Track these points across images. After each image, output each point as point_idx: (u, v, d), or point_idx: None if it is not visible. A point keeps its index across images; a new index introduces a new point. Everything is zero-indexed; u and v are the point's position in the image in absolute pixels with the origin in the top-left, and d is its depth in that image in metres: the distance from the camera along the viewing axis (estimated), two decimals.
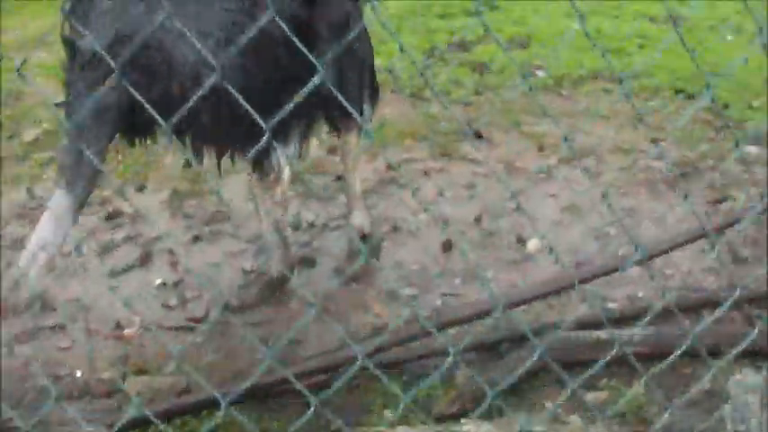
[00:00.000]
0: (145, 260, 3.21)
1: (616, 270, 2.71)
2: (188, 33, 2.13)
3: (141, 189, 3.60)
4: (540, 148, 3.81)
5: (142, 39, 2.20)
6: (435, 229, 3.31)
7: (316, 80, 1.19)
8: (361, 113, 2.76)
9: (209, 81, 1.22)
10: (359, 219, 3.11)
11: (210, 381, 2.61)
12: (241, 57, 2.23)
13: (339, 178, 3.57)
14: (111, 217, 3.44)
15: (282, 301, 2.98)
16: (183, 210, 3.46)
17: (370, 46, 2.79)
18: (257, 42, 2.25)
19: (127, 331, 2.89)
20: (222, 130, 2.36)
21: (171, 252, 3.24)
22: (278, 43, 2.25)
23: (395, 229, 3.31)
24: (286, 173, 2.76)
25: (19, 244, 3.33)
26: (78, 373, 2.74)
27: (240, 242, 3.27)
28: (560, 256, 3.18)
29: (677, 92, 4.32)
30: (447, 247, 3.22)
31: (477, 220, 3.36)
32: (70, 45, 2.29)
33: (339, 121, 2.74)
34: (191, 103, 2.14)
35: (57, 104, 2.41)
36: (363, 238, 3.10)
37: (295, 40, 1.26)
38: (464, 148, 3.78)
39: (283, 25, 1.26)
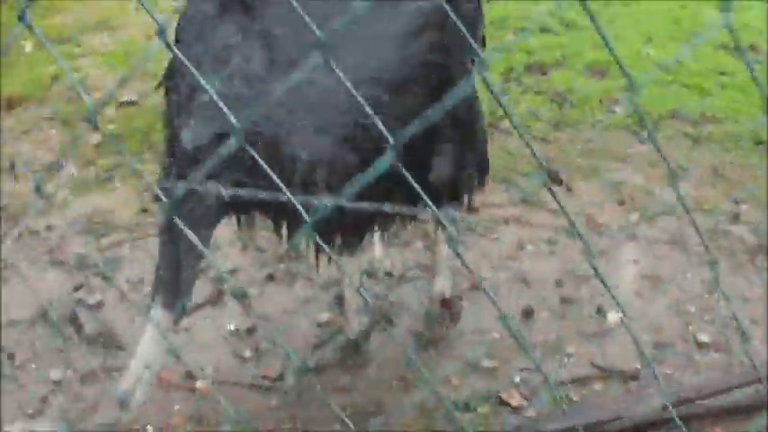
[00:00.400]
0: (216, 299, 3.11)
1: None
2: (303, 130, 1.98)
3: None
4: (621, 202, 3.67)
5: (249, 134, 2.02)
6: (516, 287, 3.22)
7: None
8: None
9: None
10: (441, 283, 3.02)
11: None
12: (358, 156, 2.06)
13: None
14: None
15: (360, 365, 2.91)
16: (255, 242, 3.34)
17: (485, 124, 2.65)
18: (378, 144, 2.09)
19: (199, 384, 2.81)
20: (327, 226, 2.21)
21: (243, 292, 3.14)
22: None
23: (475, 287, 3.21)
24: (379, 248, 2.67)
25: (84, 263, 3.24)
26: (150, 429, 2.68)
27: (315, 287, 3.17)
28: (640, 334, 3.09)
29: (757, 143, 4.17)
30: (527, 313, 3.13)
31: (558, 283, 3.26)
32: (170, 136, 2.11)
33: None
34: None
35: (156, 197, 2.22)
36: (444, 302, 3.01)
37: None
38: (545, 195, 3.65)
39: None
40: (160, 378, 2.83)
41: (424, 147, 2.17)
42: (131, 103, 3.89)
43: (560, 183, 3.70)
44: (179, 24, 2.33)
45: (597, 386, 2.91)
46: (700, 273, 3.36)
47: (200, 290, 3.15)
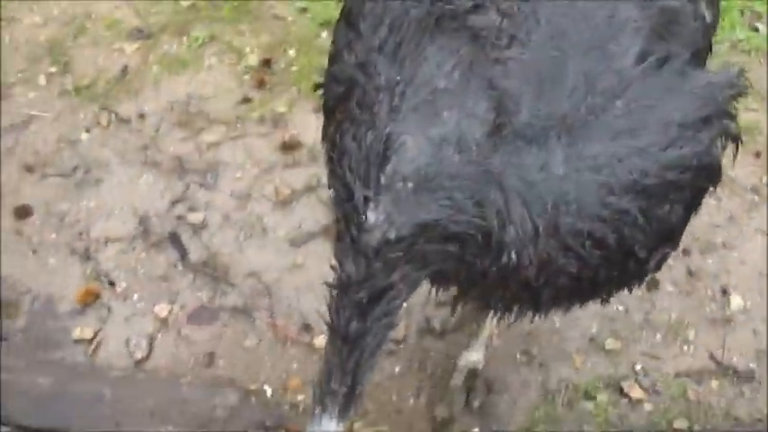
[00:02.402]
0: (329, 232, 2.83)
1: None
2: (521, 224, 1.54)
3: (319, 110, 3.05)
4: (757, 153, 3.37)
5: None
6: None
7: None
8: None
9: None
10: (477, 356, 2.61)
11: None
12: (577, 266, 1.63)
13: None
14: (288, 148, 2.97)
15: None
16: None
17: None
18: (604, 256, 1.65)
19: (319, 341, 2.63)
20: (509, 301, 1.84)
21: None
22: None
23: None
24: None
25: (182, 167, 2.89)
26: (269, 391, 2.53)
27: None
28: (760, 325, 2.96)
29: None
30: (653, 285, 2.95)
31: (686, 252, 3.05)
32: (345, 203, 1.57)
33: None
34: None
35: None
36: (472, 376, 2.62)
37: None
38: None
39: None
40: (276, 327, 2.66)
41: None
42: None
43: None
44: (351, 4, 1.78)
45: (714, 383, 2.82)
46: None
47: (311, 213, 2.89)
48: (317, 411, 1.64)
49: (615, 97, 1.56)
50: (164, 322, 2.59)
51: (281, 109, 3.06)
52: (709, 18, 1.80)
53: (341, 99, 1.70)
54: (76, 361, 2.53)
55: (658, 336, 2.90)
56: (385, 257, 1.50)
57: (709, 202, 3.21)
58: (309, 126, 3.04)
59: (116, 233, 2.71)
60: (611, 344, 2.82)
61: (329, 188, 1.89)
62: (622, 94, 1.56)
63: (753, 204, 3.28)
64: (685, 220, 1.76)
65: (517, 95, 1.54)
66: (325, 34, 3.22)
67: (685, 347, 2.89)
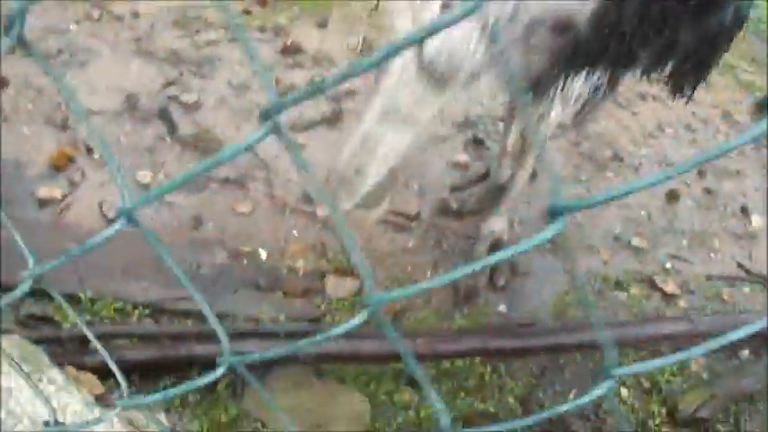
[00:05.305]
0: (333, 119, 2.63)
1: None
2: None
3: (323, 26, 2.95)
4: (758, 104, 3.33)
5: None
6: (658, 168, 2.86)
7: None
8: None
9: None
10: (501, 224, 2.42)
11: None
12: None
13: None
14: (289, 51, 2.81)
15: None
16: None
17: None
18: None
19: (320, 212, 2.36)
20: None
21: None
22: None
23: (617, 158, 2.83)
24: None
25: (177, 57, 2.70)
26: (263, 255, 2.22)
27: (450, 127, 2.73)
28: None
29: None
30: (672, 197, 2.77)
31: (701, 174, 2.91)
32: None
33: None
34: None
35: None
36: (496, 245, 2.40)
37: None
38: None
39: None
40: (273, 197, 2.39)
41: None
42: None
43: None
44: None
45: (746, 289, 2.59)
46: None
47: (313, 104, 2.69)
48: None
49: None
50: (145, 188, 2.30)
51: (282, 21, 2.94)
52: None
53: None
54: (40, 218, 2.21)
55: (684, 241, 2.68)
56: None
57: (714, 136, 3.16)
58: (312, 37, 2.92)
59: (99, 107, 2.46)
60: (637, 242, 2.60)
61: None
62: None
63: (757, 145, 3.20)
64: None
65: None
66: None
67: (712, 255, 2.68)
